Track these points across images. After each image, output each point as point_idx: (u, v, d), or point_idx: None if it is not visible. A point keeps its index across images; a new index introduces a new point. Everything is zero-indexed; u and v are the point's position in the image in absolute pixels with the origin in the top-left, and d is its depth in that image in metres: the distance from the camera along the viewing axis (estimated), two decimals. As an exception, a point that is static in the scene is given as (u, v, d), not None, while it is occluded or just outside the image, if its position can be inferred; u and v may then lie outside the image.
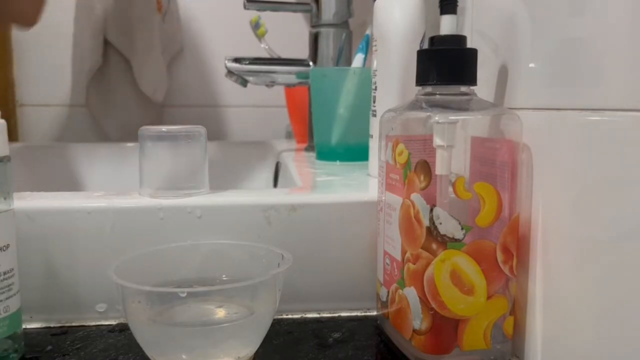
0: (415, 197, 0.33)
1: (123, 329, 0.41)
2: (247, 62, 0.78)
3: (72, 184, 0.92)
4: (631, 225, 0.26)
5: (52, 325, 0.42)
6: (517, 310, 0.35)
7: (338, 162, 0.67)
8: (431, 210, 0.32)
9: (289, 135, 1.12)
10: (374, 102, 0.53)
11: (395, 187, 0.36)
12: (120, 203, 0.42)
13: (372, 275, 0.42)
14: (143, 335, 0.33)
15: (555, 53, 0.32)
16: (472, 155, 0.34)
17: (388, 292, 0.38)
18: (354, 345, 0.38)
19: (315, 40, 0.78)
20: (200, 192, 0.44)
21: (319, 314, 0.44)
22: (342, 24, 0.77)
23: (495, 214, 0.33)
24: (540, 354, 0.34)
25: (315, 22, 0.78)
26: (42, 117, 1.17)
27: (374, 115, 0.53)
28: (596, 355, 0.28)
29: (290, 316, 0.44)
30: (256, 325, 0.34)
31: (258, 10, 0.81)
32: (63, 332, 0.41)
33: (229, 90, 1.20)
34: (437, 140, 0.32)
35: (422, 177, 0.33)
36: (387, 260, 0.38)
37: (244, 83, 0.80)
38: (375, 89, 0.53)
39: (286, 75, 0.80)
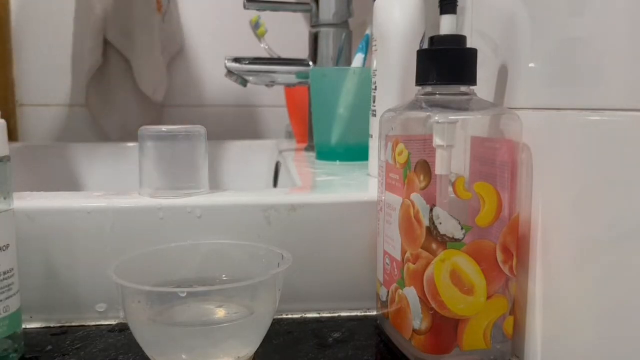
0: (415, 197, 0.33)
1: (123, 329, 0.41)
2: (247, 62, 0.78)
3: (72, 184, 0.92)
4: (631, 225, 0.26)
5: (52, 325, 0.42)
6: (517, 310, 0.35)
7: (338, 162, 0.67)
8: (431, 210, 0.32)
9: (289, 135, 1.12)
10: (374, 102, 0.53)
11: (395, 187, 0.36)
12: (120, 203, 0.42)
13: (372, 275, 0.42)
14: (143, 335, 0.33)
15: (555, 53, 0.32)
16: (472, 155, 0.34)
17: (388, 292, 0.38)
18: (354, 345, 0.38)
19: (315, 40, 0.78)
20: (200, 192, 0.44)
21: (319, 314, 0.44)
22: (342, 24, 0.77)
23: (495, 214, 0.33)
24: (540, 354, 0.34)
25: (315, 22, 0.78)
26: (42, 117, 1.17)
27: (374, 115, 0.53)
28: (596, 355, 0.28)
29: (290, 316, 0.44)
30: (256, 325, 0.34)
31: (258, 10, 0.81)
32: (63, 332, 0.41)
33: (229, 90, 1.20)
34: (437, 140, 0.32)
35: (422, 177, 0.33)
36: (387, 260, 0.38)
37: (244, 83, 0.80)
38: (375, 89, 0.53)
39: (286, 75, 0.80)
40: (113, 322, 0.42)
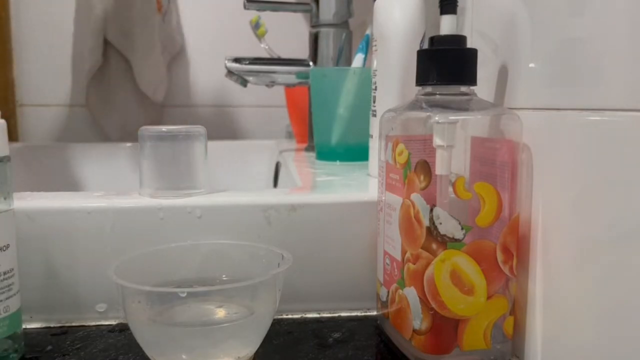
0: (415, 197, 0.33)
1: (123, 329, 0.41)
2: (247, 62, 0.78)
3: (72, 184, 0.92)
4: (631, 225, 0.26)
5: (52, 325, 0.42)
6: (517, 310, 0.35)
7: (338, 162, 0.67)
8: (431, 210, 0.32)
9: (289, 135, 1.12)
10: (374, 102, 0.53)
11: (395, 187, 0.36)
12: (120, 203, 0.42)
13: (372, 275, 0.42)
14: (143, 335, 0.33)
15: (555, 53, 0.32)
16: (472, 155, 0.34)
17: (388, 292, 0.38)
18: (354, 345, 0.38)
19: (315, 40, 0.78)
20: (200, 192, 0.44)
21: (319, 314, 0.44)
22: (342, 24, 0.77)
23: (495, 214, 0.33)
24: (540, 354, 0.34)
25: (315, 22, 0.78)
26: (42, 117, 1.17)
27: (374, 115, 0.53)
28: (596, 355, 0.28)
29: (290, 316, 0.44)
30: (256, 325, 0.34)
31: (258, 10, 0.81)
32: (63, 332, 0.41)
33: (228, 90, 1.20)
34: (437, 140, 0.32)
35: (422, 177, 0.33)
36: (387, 260, 0.38)
37: (244, 83, 0.80)
38: (375, 89, 0.53)
39: (286, 75, 0.80)
40: (113, 322, 0.42)
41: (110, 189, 0.45)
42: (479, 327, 0.34)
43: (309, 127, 0.82)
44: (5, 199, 0.34)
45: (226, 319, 0.35)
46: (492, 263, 0.33)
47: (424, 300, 0.33)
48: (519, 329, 0.35)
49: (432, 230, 0.32)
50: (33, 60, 1.15)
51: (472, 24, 0.43)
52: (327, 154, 0.68)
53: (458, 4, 0.35)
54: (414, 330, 0.34)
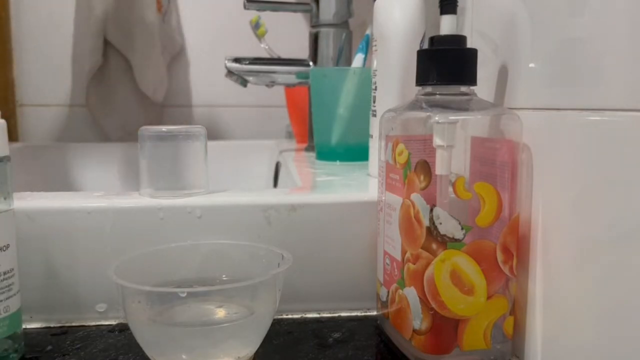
0: (415, 197, 0.33)
1: (123, 329, 0.41)
2: (247, 62, 0.78)
3: (72, 184, 0.92)
4: (631, 225, 0.26)
5: (52, 325, 0.42)
6: (517, 310, 0.35)
7: (338, 162, 0.67)
8: (431, 210, 0.32)
9: (289, 135, 1.12)
10: (374, 102, 0.53)
11: (395, 187, 0.36)
12: (120, 203, 0.42)
13: (372, 275, 0.42)
14: (143, 335, 0.33)
15: (555, 53, 0.32)
16: (472, 155, 0.34)
17: (388, 292, 0.38)
18: (354, 345, 0.38)
19: (315, 40, 0.78)
20: (200, 192, 0.44)
21: (319, 314, 0.44)
22: (342, 24, 0.77)
23: (495, 214, 0.33)
24: (540, 354, 0.34)
25: (315, 22, 0.78)
26: (42, 117, 1.17)
27: (374, 115, 0.53)
28: (596, 355, 0.28)
29: (290, 316, 0.44)
30: (256, 325, 0.34)
31: (258, 10, 0.81)
32: (63, 332, 0.41)
33: (229, 90, 1.20)
34: (437, 140, 0.32)
35: (422, 177, 0.33)
36: (387, 260, 0.38)
37: (244, 83, 0.80)
38: (375, 89, 0.53)
39: (286, 75, 0.80)
40: (113, 322, 0.42)
41: (110, 189, 0.45)
42: (479, 327, 0.34)
43: (309, 127, 0.82)
44: (5, 199, 0.34)
45: (226, 319, 0.35)
46: (492, 263, 0.33)
47: (424, 300, 0.33)
48: (519, 329, 0.35)
49: (432, 230, 0.32)
50: (33, 60, 1.15)
51: (472, 24, 0.43)
52: (327, 154, 0.68)
53: (458, 4, 0.35)
54: (414, 330, 0.34)
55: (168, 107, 1.21)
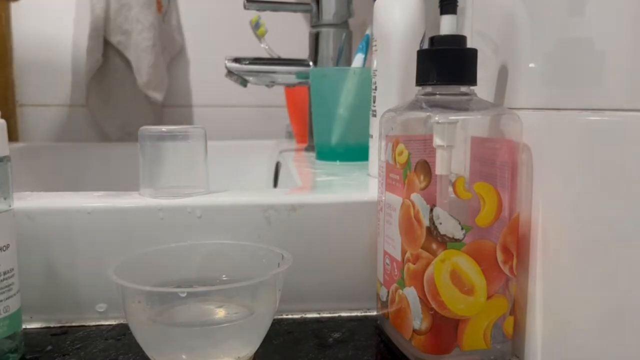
0: (415, 197, 0.33)
1: (123, 329, 0.41)
2: (247, 62, 0.78)
3: (72, 184, 0.92)
4: (631, 225, 0.26)
5: (52, 325, 0.42)
6: (517, 310, 0.35)
7: (338, 162, 0.67)
8: (431, 210, 0.32)
9: (289, 135, 1.12)
10: (374, 102, 0.53)
11: (395, 187, 0.36)
12: (120, 203, 0.42)
13: (372, 275, 0.42)
14: (143, 335, 0.33)
15: (555, 53, 0.32)
16: (472, 155, 0.34)
17: (388, 292, 0.38)
18: (354, 345, 0.38)
19: (315, 40, 0.78)
20: (200, 192, 0.44)
21: (319, 314, 0.44)
22: (342, 24, 0.77)
23: (495, 214, 0.33)
24: (540, 354, 0.34)
25: (315, 22, 0.78)
26: (42, 117, 1.17)
27: (374, 115, 0.53)
28: (596, 355, 0.28)
29: (290, 316, 0.44)
30: (256, 325, 0.34)
31: (258, 10, 0.81)
32: (63, 332, 0.41)
33: (229, 90, 1.20)
34: (437, 140, 0.32)
35: (422, 177, 0.33)
36: (387, 260, 0.38)
37: (244, 83, 0.80)
38: (375, 89, 0.53)
39: (286, 75, 0.80)
40: (113, 322, 0.42)
41: (110, 189, 0.45)
42: (479, 327, 0.34)
43: (309, 127, 0.82)
44: (5, 199, 0.34)
45: (226, 319, 0.35)
46: (492, 263, 0.33)
47: (424, 300, 0.33)
48: (519, 329, 0.35)
49: (432, 230, 0.32)
50: (33, 60, 1.15)
51: (472, 24, 0.43)
52: (327, 154, 0.68)
53: (458, 4, 0.35)
54: (414, 330, 0.34)
55: (168, 107, 1.21)
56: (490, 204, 0.33)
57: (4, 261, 0.34)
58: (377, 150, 0.43)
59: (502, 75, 0.39)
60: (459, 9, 0.36)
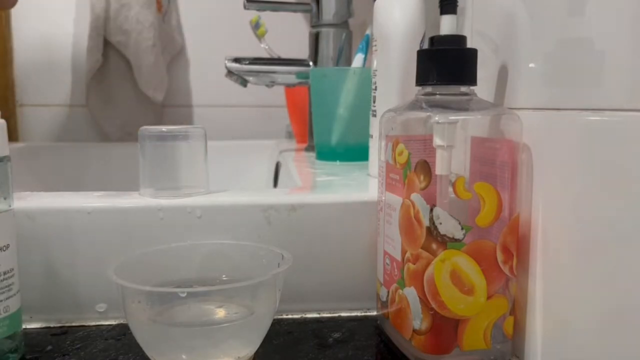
0: (415, 197, 0.33)
1: (123, 329, 0.41)
2: (247, 62, 0.78)
3: (72, 184, 0.92)
4: (631, 225, 0.26)
5: (52, 325, 0.42)
6: (517, 310, 0.35)
7: (338, 162, 0.67)
8: (431, 210, 0.32)
9: (289, 135, 1.12)
10: (374, 102, 0.53)
11: (395, 187, 0.36)
12: (120, 203, 0.42)
13: (372, 275, 0.42)
14: (143, 335, 0.33)
15: (555, 53, 0.32)
16: (472, 155, 0.34)
17: (388, 292, 0.38)
18: (354, 345, 0.38)
19: (315, 40, 0.78)
20: (200, 192, 0.44)
21: (319, 314, 0.44)
22: (342, 24, 0.77)
23: (495, 214, 0.33)
24: (540, 354, 0.34)
25: (315, 22, 0.78)
26: (42, 117, 1.17)
27: (374, 115, 0.53)
28: (596, 355, 0.28)
29: (290, 316, 0.44)
30: (256, 325, 0.34)
31: (258, 10, 0.81)
32: (63, 332, 0.41)
33: (229, 90, 1.20)
34: (437, 140, 0.32)
35: (422, 177, 0.33)
36: (387, 260, 0.38)
37: (244, 83, 0.80)
38: (375, 89, 0.53)
39: (286, 75, 0.80)
40: (113, 322, 0.42)
41: (110, 189, 0.45)
42: (479, 327, 0.34)
43: (309, 127, 0.82)
44: (5, 199, 0.34)
45: (226, 319, 0.35)
46: (492, 263, 0.33)
47: (424, 300, 0.33)
48: (519, 329, 0.35)
49: (432, 230, 0.32)
50: (33, 60, 1.15)
51: (472, 24, 0.43)
52: (327, 154, 0.68)
53: (458, 4, 0.35)
54: (414, 330, 0.34)
55: (168, 107, 1.21)
56: (490, 204, 0.33)
57: (4, 261, 0.34)
58: (377, 150, 0.43)
59: (502, 75, 0.39)
60: (459, 9, 0.36)
